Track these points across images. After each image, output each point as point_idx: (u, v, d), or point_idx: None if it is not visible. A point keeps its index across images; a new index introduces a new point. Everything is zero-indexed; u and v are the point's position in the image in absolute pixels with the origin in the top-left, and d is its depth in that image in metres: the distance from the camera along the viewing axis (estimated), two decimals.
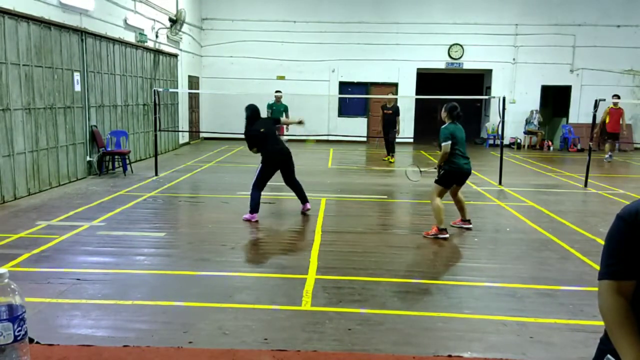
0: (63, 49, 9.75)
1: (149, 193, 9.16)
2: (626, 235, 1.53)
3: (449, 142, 6.55)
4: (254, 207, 7.30)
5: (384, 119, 14.32)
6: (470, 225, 7.05)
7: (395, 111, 14.21)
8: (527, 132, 18.96)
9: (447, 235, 6.59)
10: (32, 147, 8.84)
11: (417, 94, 18.94)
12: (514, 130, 18.65)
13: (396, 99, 15.30)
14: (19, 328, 1.25)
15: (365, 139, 19.16)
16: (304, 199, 7.75)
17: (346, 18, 18.76)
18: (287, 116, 14.07)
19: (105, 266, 5.40)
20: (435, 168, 6.85)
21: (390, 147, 14.33)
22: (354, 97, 18.16)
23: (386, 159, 14.34)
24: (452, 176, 6.70)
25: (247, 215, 7.31)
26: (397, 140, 18.84)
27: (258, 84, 18.55)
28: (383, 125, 14.47)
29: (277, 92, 14.56)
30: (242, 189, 9.51)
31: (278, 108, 14.12)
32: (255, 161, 14.07)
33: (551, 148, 19.00)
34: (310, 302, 4.51)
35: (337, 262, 5.72)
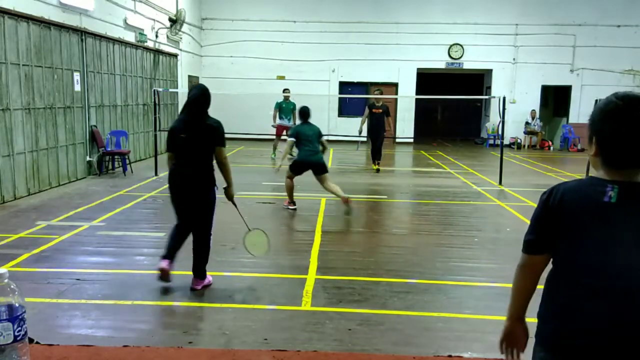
0: (63, 49, 9.75)
1: (149, 193, 9.16)
2: (541, 213, 1.74)
3: (292, 139, 7.99)
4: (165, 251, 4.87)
5: (372, 119, 12.36)
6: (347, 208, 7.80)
7: (385, 110, 12.35)
8: (527, 132, 18.97)
9: (295, 207, 8.08)
10: (32, 147, 8.84)
11: (417, 94, 18.94)
12: (514, 130, 18.66)
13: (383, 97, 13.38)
14: (19, 328, 1.25)
15: (365, 139, 19.16)
16: (198, 271, 4.83)
17: (346, 18, 18.76)
18: (294, 115, 14.10)
19: (105, 266, 5.40)
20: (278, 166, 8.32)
21: (377, 154, 12.47)
22: (354, 97, 18.16)
23: (375, 167, 12.53)
24: (297, 164, 8.02)
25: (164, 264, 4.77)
26: (398, 140, 18.97)
27: (258, 84, 18.54)
28: (370, 127, 12.49)
29: (285, 90, 14.57)
30: (242, 189, 9.50)
31: (287, 106, 14.21)
32: (257, 161, 14.14)
33: (551, 148, 19.01)
34: (310, 302, 4.51)
35: (337, 262, 5.72)
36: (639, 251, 1.59)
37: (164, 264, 4.69)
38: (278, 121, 14.12)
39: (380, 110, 12.25)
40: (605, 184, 1.63)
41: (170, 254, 4.75)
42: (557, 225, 1.69)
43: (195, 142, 4.64)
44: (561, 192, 1.70)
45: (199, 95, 4.70)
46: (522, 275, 1.85)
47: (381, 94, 12.87)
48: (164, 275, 4.69)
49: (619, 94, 1.66)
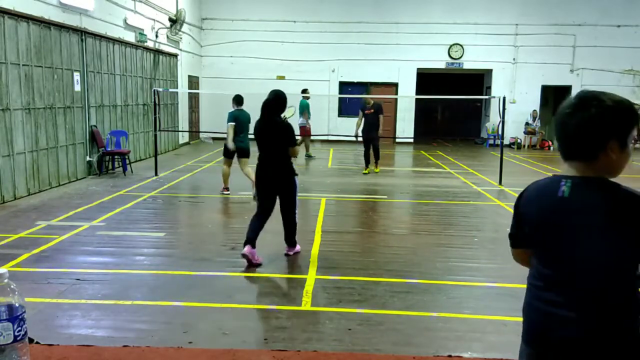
0: (63, 49, 9.75)
1: (149, 193, 9.16)
2: (514, 212, 1.87)
3: (232, 123, 8.62)
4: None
5: (366, 120, 11.81)
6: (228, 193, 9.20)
7: (377, 110, 11.75)
8: (527, 132, 18.97)
9: (228, 192, 9.13)
10: (32, 147, 8.83)
11: (417, 94, 18.93)
12: (514, 130, 18.66)
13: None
14: (19, 328, 1.25)
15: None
16: (289, 240, 5.83)
17: (346, 18, 18.76)
18: (308, 112, 14.35)
19: (105, 266, 5.40)
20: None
21: (375, 155, 12.02)
22: (354, 97, 18.15)
23: (366, 171, 11.94)
24: (226, 149, 8.89)
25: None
26: (398, 140, 18.96)
27: (258, 84, 18.50)
28: (365, 128, 11.90)
29: (304, 90, 14.50)
30: (242, 189, 9.51)
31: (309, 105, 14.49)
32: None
33: (551, 148, 19.01)
34: (310, 302, 4.51)
35: (337, 262, 5.72)
36: (589, 244, 1.65)
37: (246, 249, 5.36)
38: (303, 120, 14.10)
39: (373, 110, 11.77)
40: (560, 180, 1.73)
41: (251, 240, 5.39)
42: (525, 222, 1.81)
43: (269, 139, 5.43)
44: (527, 191, 1.83)
45: (272, 99, 5.44)
46: (521, 262, 1.97)
47: (370, 102, 12.08)
48: (248, 259, 5.35)
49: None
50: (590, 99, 1.71)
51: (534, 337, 1.78)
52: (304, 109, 14.27)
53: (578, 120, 1.69)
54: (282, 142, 5.39)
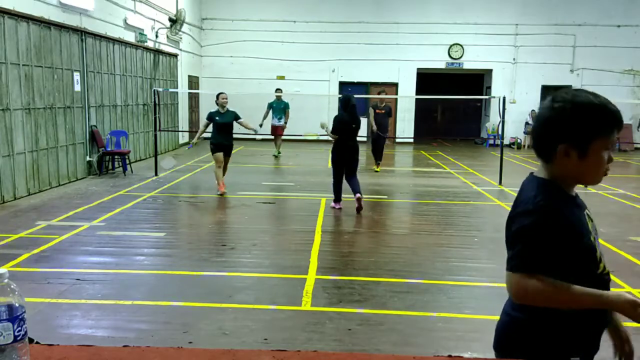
0: (63, 49, 9.75)
1: (149, 193, 9.16)
2: None
3: (208, 121, 9.58)
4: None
5: (376, 120, 12.16)
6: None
7: (388, 111, 12.28)
8: (527, 132, 18.96)
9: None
10: (32, 147, 8.83)
11: (417, 94, 18.93)
12: (514, 130, 18.65)
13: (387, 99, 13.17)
14: (19, 328, 1.25)
15: (365, 139, 19.13)
16: (359, 191, 8.06)
17: (346, 18, 18.75)
18: (287, 114, 14.72)
19: (105, 266, 5.40)
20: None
21: (378, 154, 12.36)
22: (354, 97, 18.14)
23: (378, 169, 12.30)
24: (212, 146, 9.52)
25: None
26: (398, 140, 18.96)
27: (258, 84, 18.53)
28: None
29: (277, 90, 14.90)
30: (242, 189, 9.51)
31: (278, 106, 14.62)
32: (257, 161, 14.16)
33: None
34: (310, 302, 4.50)
35: (337, 262, 5.71)
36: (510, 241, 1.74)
37: (337, 205, 8.08)
38: (271, 121, 14.61)
39: (384, 111, 12.17)
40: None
41: (339, 198, 8.09)
42: None
43: (356, 128, 8.08)
44: None
45: (354, 103, 8.21)
46: None
47: (385, 94, 12.55)
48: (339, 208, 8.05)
49: None
50: (555, 100, 1.61)
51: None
52: (287, 109, 14.74)
53: (538, 120, 1.70)
54: (359, 128, 8.12)
